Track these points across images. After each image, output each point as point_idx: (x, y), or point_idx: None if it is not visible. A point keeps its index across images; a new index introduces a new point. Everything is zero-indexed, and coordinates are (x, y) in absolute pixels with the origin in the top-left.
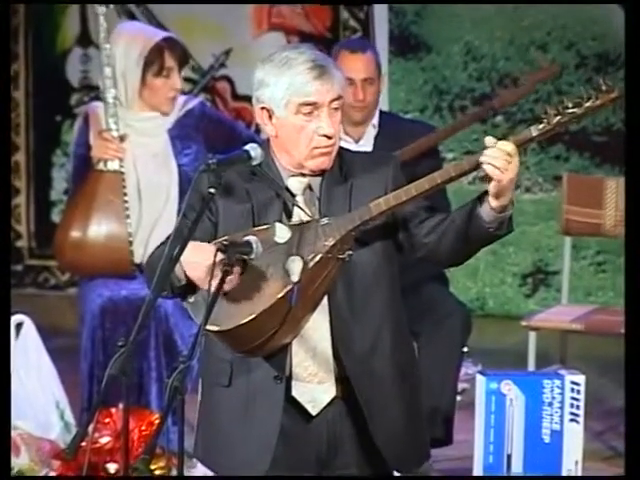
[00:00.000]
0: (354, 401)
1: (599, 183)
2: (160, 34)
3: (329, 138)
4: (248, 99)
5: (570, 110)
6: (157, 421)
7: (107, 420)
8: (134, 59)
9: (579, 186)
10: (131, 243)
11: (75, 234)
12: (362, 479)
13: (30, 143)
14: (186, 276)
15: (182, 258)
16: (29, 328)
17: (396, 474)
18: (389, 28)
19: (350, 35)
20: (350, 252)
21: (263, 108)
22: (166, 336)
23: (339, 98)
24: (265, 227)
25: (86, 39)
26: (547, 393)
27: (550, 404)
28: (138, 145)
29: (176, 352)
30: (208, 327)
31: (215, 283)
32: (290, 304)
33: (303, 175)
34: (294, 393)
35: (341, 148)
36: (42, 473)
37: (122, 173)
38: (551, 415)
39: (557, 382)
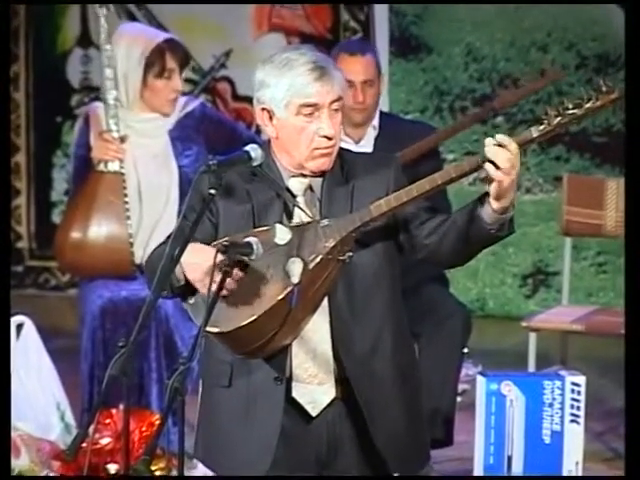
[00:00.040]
0: (354, 402)
1: (599, 184)
2: (161, 35)
3: (329, 139)
4: (248, 100)
5: (570, 111)
6: (157, 422)
7: (108, 421)
8: (135, 60)
9: (579, 187)
10: (131, 244)
11: (75, 235)
12: (362, 479)
13: (30, 144)
14: (185, 277)
15: (182, 259)
16: (29, 329)
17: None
18: (389, 29)
19: (350, 36)
20: (350, 253)
21: (264, 109)
22: (166, 337)
23: (340, 99)
24: (265, 228)
25: (86, 40)
26: (547, 394)
27: (550, 405)
28: (139, 146)
29: (176, 353)
30: (208, 329)
31: (215, 284)
32: (290, 306)
33: (304, 176)
34: (294, 394)
35: (342, 149)
36: (42, 474)
37: (122, 174)
38: (551, 416)
39: (557, 383)
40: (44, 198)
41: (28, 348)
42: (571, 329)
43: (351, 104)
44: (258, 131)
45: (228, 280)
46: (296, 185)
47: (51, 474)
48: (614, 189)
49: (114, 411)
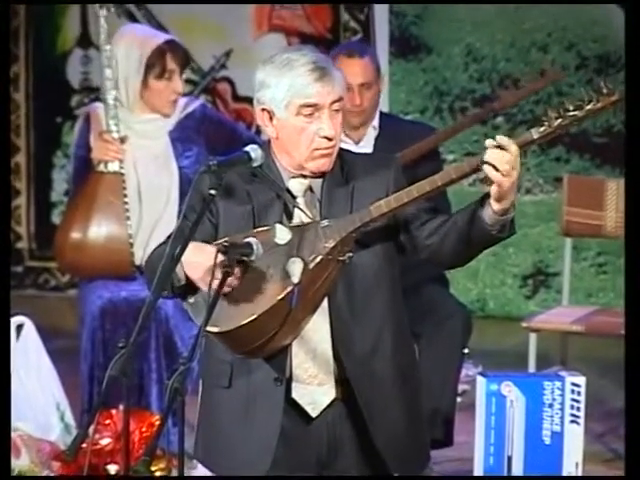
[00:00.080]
0: (354, 403)
1: (600, 184)
2: (162, 37)
3: (330, 140)
4: (249, 100)
5: (571, 113)
6: (157, 422)
7: (107, 421)
8: (136, 62)
9: (580, 187)
10: (131, 245)
11: (75, 235)
12: (362, 479)
13: (30, 144)
14: (186, 276)
15: (183, 258)
16: (29, 329)
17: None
18: (389, 29)
19: (350, 36)
20: (351, 254)
21: (264, 109)
22: (166, 338)
23: (340, 100)
24: (266, 228)
25: (86, 40)
26: (547, 394)
27: (550, 406)
28: (139, 147)
29: (176, 354)
30: (208, 328)
31: (215, 284)
32: (290, 306)
33: (304, 177)
34: (294, 395)
35: (342, 150)
36: (42, 474)
37: (122, 175)
38: (551, 417)
39: (557, 384)
40: (44, 198)
41: (28, 349)
42: (571, 330)
43: (348, 107)
44: (258, 131)
45: (228, 280)
46: (296, 186)
47: (51, 474)
48: (614, 190)
49: (114, 412)
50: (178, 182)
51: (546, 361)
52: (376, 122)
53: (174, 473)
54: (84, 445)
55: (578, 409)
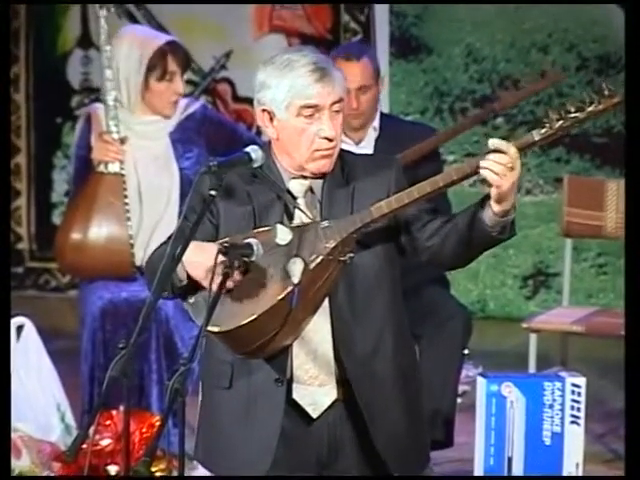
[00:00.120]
0: (355, 404)
1: (600, 185)
2: (163, 38)
3: (330, 141)
4: (249, 101)
5: (572, 114)
6: (158, 423)
7: (108, 422)
8: (137, 63)
9: (580, 188)
10: (132, 245)
11: (76, 236)
12: (362, 479)
13: (31, 145)
14: (188, 276)
15: (184, 258)
16: (30, 330)
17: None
18: (390, 30)
19: (351, 37)
20: (351, 254)
21: (264, 110)
22: (167, 338)
23: (340, 101)
24: (266, 229)
25: (87, 41)
26: (548, 395)
27: (551, 406)
28: (139, 148)
29: (177, 354)
30: (209, 328)
31: (216, 285)
32: (290, 306)
33: (304, 177)
34: (295, 396)
35: (342, 150)
36: (43, 475)
37: (123, 175)
38: (552, 417)
39: (558, 384)
40: (44, 199)
41: (28, 349)
42: (571, 330)
43: (346, 110)
44: (259, 132)
45: (229, 280)
46: (297, 187)
47: (51, 475)
48: (614, 190)
49: (114, 412)
50: (179, 183)
51: (546, 362)
52: (376, 123)
53: (174, 474)
54: (84, 446)
55: (578, 410)
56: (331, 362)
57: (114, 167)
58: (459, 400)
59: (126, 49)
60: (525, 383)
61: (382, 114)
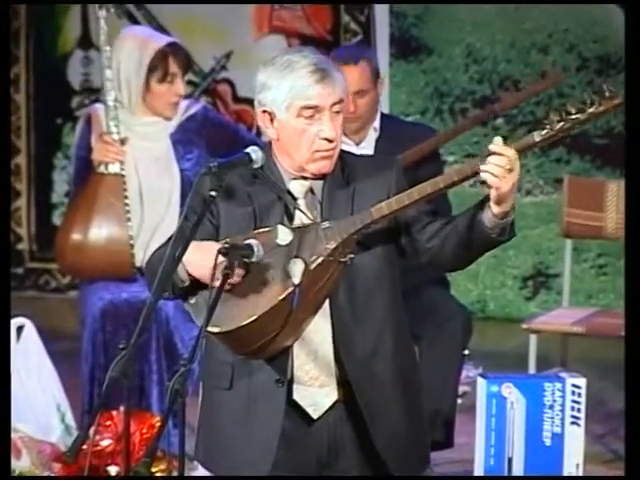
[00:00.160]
0: (355, 405)
1: (600, 186)
2: (164, 39)
3: (330, 142)
4: (249, 102)
5: (573, 116)
6: (158, 424)
7: (108, 423)
8: (138, 64)
9: (580, 189)
10: (132, 246)
11: (76, 237)
12: (362, 479)
13: (31, 146)
14: (189, 276)
15: (184, 258)
16: (30, 331)
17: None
18: (390, 31)
19: (351, 38)
20: (352, 255)
21: (265, 111)
22: (167, 339)
23: (341, 101)
24: (267, 229)
25: (87, 41)
26: (548, 396)
27: (551, 407)
28: (140, 149)
29: (177, 355)
30: (209, 328)
31: (216, 286)
32: (291, 306)
33: (305, 178)
34: (295, 397)
35: (343, 151)
36: (43, 476)
37: (123, 176)
38: (552, 418)
39: (558, 385)
40: (44, 200)
41: (28, 350)
42: (571, 331)
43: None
44: (259, 133)
45: (229, 281)
46: (297, 188)
47: (52, 476)
48: (614, 191)
49: (115, 413)
50: (179, 184)
51: (546, 362)
52: (377, 124)
53: (174, 474)
54: (85, 446)
55: (578, 410)
56: (331, 363)
57: (114, 168)
58: (459, 401)
59: (127, 50)
60: (525, 384)
61: (382, 115)
